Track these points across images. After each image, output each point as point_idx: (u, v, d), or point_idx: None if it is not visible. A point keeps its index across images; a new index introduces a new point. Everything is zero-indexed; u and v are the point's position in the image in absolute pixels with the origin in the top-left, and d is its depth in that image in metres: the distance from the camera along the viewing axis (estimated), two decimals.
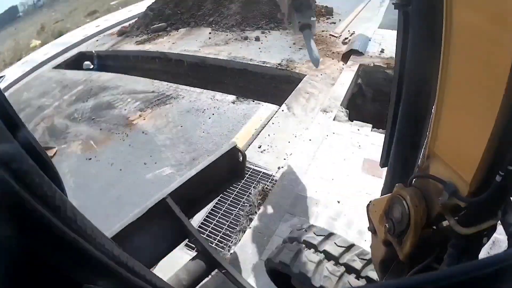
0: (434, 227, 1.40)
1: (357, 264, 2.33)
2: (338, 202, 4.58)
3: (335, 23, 10.34)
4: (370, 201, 1.84)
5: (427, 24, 1.48)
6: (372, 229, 1.82)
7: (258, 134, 6.06)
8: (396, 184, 1.49)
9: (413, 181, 1.46)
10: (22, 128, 0.71)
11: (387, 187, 1.95)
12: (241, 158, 3.65)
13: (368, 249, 3.68)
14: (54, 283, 0.55)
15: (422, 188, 1.38)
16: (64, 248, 0.51)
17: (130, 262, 0.67)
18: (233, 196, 5.00)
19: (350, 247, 2.47)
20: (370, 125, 5.90)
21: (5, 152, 0.46)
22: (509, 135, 0.99)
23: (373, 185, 4.81)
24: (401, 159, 1.88)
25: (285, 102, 6.79)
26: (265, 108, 6.75)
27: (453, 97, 1.23)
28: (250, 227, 4.40)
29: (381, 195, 1.95)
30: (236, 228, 4.54)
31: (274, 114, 6.47)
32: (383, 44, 8.42)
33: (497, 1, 0.96)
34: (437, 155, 1.32)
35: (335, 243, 2.50)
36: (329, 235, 2.60)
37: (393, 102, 1.90)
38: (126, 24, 14.14)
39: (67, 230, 0.50)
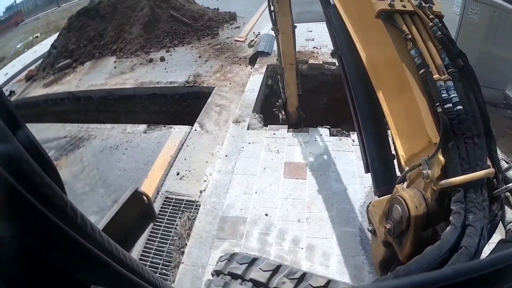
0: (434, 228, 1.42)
1: (288, 286, 2.29)
2: (266, 215, 4.39)
3: (239, 27, 10.26)
4: (370, 202, 1.84)
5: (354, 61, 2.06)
6: (372, 229, 1.82)
7: (174, 160, 5.76)
8: (397, 185, 1.54)
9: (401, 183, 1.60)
10: (23, 128, 0.68)
11: (375, 188, 2.06)
12: (146, 200, 3.46)
13: (296, 265, 3.61)
14: (56, 284, 0.54)
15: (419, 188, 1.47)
16: (65, 247, 0.52)
17: (130, 261, 0.70)
18: (161, 232, 4.69)
19: (277, 269, 2.40)
20: (286, 126, 5.80)
21: (6, 151, 0.46)
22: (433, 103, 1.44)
23: (298, 187, 4.73)
24: (378, 158, 2.07)
25: (197, 120, 6.53)
26: (178, 131, 6.44)
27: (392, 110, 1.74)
28: (183, 262, 4.11)
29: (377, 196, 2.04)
30: (171, 265, 4.26)
31: (188, 135, 6.19)
32: None
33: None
34: (406, 161, 1.61)
35: (260, 268, 2.43)
36: (253, 261, 2.51)
37: (352, 109, 2.27)
38: (33, 67, 13.31)
39: (68, 230, 0.51)
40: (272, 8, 5.02)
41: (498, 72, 6.75)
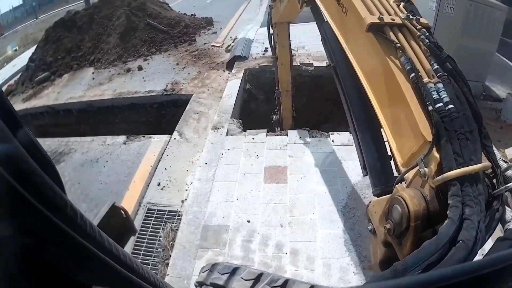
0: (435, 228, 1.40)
1: None
2: (248, 221, 4.34)
3: (216, 32, 10.24)
4: (370, 202, 1.85)
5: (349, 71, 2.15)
6: (371, 229, 1.82)
7: (155, 170, 5.69)
8: (397, 185, 1.56)
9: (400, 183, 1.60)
10: (22, 128, 0.67)
11: (374, 187, 2.06)
12: (124, 214, 3.42)
13: (280, 271, 3.59)
14: (58, 285, 0.55)
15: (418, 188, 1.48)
16: (66, 247, 0.52)
17: (130, 261, 0.70)
18: (145, 244, 4.61)
19: (258, 277, 2.39)
20: (265, 131, 5.77)
21: (6, 152, 0.46)
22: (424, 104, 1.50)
23: (279, 192, 4.69)
24: (375, 157, 2.08)
25: (176, 128, 6.48)
26: (157, 141, 6.37)
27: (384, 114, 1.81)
28: (168, 274, 4.04)
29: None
30: None
31: (167, 145, 6.13)
32: (266, 43, 8.38)
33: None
34: (403, 162, 1.64)
35: (242, 277, 2.41)
36: (234, 271, 2.49)
37: (348, 116, 2.32)
38: (12, 81, 13.13)
39: (68, 230, 0.51)
40: (271, 32, 5.29)
41: (477, 64, 6.85)
